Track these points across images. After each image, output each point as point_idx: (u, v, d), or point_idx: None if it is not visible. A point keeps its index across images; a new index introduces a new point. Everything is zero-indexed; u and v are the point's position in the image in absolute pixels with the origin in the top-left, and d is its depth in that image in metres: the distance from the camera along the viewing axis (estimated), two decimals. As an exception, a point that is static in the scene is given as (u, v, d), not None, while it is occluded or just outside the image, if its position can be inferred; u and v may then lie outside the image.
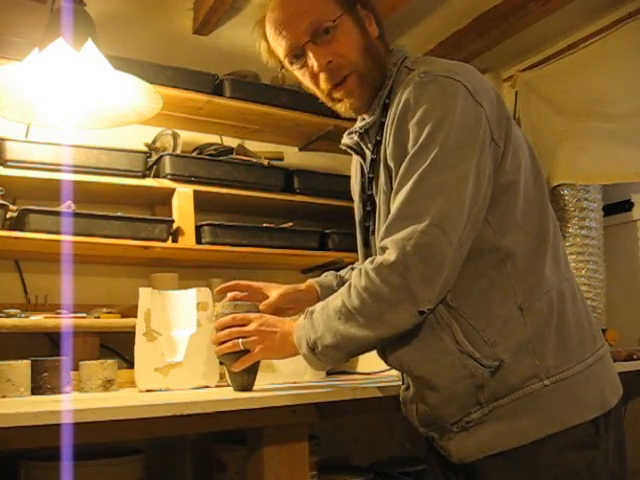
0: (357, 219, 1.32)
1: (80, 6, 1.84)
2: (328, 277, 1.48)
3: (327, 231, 2.34)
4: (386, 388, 1.44)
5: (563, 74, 2.58)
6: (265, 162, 2.27)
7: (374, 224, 1.21)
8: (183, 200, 2.09)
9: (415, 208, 1.02)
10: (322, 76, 1.15)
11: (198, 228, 2.10)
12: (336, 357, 1.13)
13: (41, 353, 1.71)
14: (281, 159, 2.42)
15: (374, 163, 1.18)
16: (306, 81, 1.20)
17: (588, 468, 1.04)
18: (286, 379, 1.70)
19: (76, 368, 1.63)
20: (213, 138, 2.38)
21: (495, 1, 2.45)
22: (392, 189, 1.09)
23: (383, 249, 1.04)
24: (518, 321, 1.05)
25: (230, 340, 1.27)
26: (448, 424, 1.10)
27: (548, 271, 1.09)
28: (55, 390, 1.53)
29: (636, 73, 2.36)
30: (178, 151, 2.16)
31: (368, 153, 1.20)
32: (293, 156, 2.58)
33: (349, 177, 2.61)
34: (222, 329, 1.29)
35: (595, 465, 1.05)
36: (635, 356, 1.96)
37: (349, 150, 1.28)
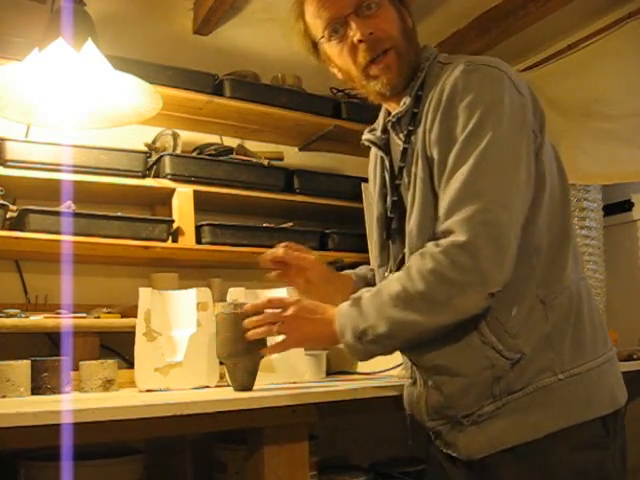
0: (376, 214, 1.29)
1: (80, 6, 1.84)
2: (362, 269, 1.46)
3: (327, 231, 2.34)
4: (386, 388, 1.44)
5: (563, 74, 2.58)
6: (265, 162, 2.27)
7: (400, 214, 1.20)
8: (183, 200, 2.09)
9: (478, 188, 1.00)
10: (362, 47, 1.14)
11: (198, 228, 2.10)
12: (389, 346, 1.10)
13: (41, 353, 1.71)
14: (281, 159, 2.42)
15: (405, 152, 1.18)
16: (342, 57, 1.18)
17: (599, 468, 1.05)
18: (286, 379, 1.70)
19: (76, 368, 1.63)
20: (213, 138, 2.38)
21: (495, 1, 2.45)
22: (431, 175, 1.09)
23: (446, 232, 1.01)
24: (540, 314, 1.06)
25: (264, 325, 1.23)
26: (460, 416, 1.09)
27: (569, 269, 1.10)
28: (55, 390, 1.53)
29: (636, 73, 2.36)
30: (178, 151, 2.16)
31: (399, 142, 1.19)
32: (293, 156, 2.58)
33: (349, 177, 2.63)
34: (256, 312, 1.24)
35: (605, 466, 1.05)
36: (635, 356, 1.96)
37: (372, 145, 1.28)
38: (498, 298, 1.05)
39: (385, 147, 1.25)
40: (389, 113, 1.25)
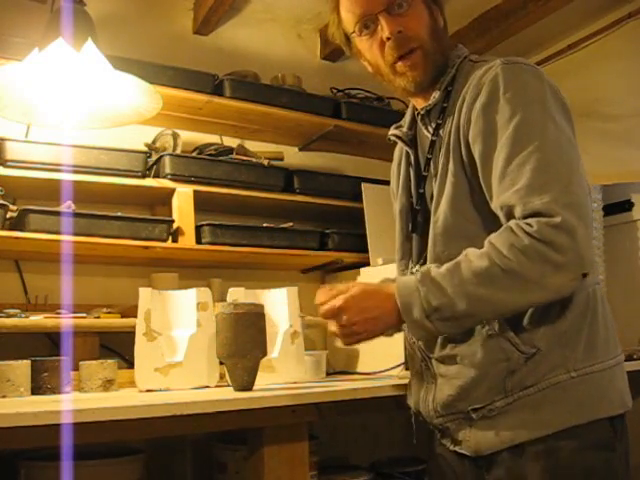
0: (398, 207, 1.30)
1: (80, 6, 1.84)
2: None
3: (327, 231, 2.34)
4: (386, 388, 1.44)
5: (563, 74, 2.58)
6: (265, 162, 2.27)
7: (426, 206, 1.21)
8: (183, 200, 2.09)
9: (555, 172, 1.01)
10: (390, 44, 1.17)
11: (198, 228, 2.10)
12: (462, 326, 1.06)
13: (41, 353, 1.71)
14: (281, 159, 2.42)
15: (433, 144, 1.20)
16: (371, 52, 1.21)
17: (606, 469, 1.06)
18: (286, 379, 1.70)
19: (76, 368, 1.63)
20: (213, 138, 2.38)
21: (495, 1, 2.45)
22: (464, 168, 1.11)
23: (530, 215, 0.99)
24: (557, 312, 1.07)
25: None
26: (470, 409, 1.09)
27: None
28: (55, 390, 1.53)
29: (636, 73, 2.37)
30: (178, 151, 2.16)
31: (428, 135, 1.21)
32: (293, 156, 2.58)
33: (349, 177, 2.63)
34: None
35: (612, 466, 1.06)
36: (635, 356, 1.96)
37: (397, 141, 1.31)
38: None
39: (411, 142, 1.27)
40: (414, 110, 1.29)
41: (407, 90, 1.21)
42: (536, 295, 1.00)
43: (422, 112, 1.21)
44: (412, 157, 1.27)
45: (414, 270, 1.21)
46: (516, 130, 1.04)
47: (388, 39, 1.16)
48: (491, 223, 1.08)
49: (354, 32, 1.21)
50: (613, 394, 1.09)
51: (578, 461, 1.04)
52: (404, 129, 1.30)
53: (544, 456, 1.05)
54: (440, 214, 1.13)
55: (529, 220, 0.99)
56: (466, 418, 1.11)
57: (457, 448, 1.15)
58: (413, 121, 1.30)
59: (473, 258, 1.02)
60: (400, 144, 1.32)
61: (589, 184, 1.13)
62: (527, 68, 1.12)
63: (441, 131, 1.18)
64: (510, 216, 1.03)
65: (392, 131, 1.32)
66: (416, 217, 1.24)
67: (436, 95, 1.19)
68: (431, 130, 1.21)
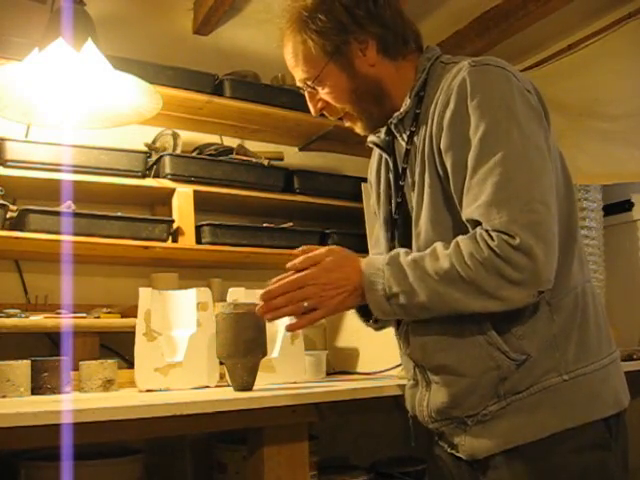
0: (382, 215, 1.30)
1: (80, 6, 1.84)
2: None
3: (327, 231, 2.34)
4: (386, 388, 1.44)
5: (563, 74, 2.58)
6: (265, 162, 2.27)
7: (405, 215, 1.21)
8: (183, 200, 2.09)
9: (515, 188, 1.00)
10: (325, 112, 1.25)
11: (198, 228, 2.10)
12: (423, 315, 1.08)
13: (41, 353, 1.71)
14: (281, 159, 2.42)
15: (408, 153, 1.19)
16: None
17: (601, 469, 1.05)
18: (286, 379, 1.70)
19: (76, 368, 1.63)
20: (213, 138, 2.38)
21: (495, 1, 2.45)
22: (440, 179, 1.10)
23: (492, 233, 1.00)
24: (546, 316, 1.07)
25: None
26: (464, 417, 1.09)
27: (575, 269, 1.11)
28: (55, 390, 1.53)
29: (636, 73, 2.36)
30: (178, 151, 2.16)
31: (402, 143, 1.21)
32: (293, 156, 2.58)
33: (349, 177, 2.63)
34: (280, 289, 1.12)
35: (607, 466, 1.06)
36: (635, 356, 1.96)
37: (376, 148, 1.30)
38: None
39: (389, 148, 1.26)
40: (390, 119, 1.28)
41: (364, 134, 1.26)
42: (490, 304, 1.02)
43: (394, 121, 1.19)
44: (391, 164, 1.26)
45: None
46: (481, 141, 1.03)
47: (317, 114, 1.25)
48: (467, 231, 1.07)
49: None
50: (607, 395, 1.08)
51: (573, 461, 1.04)
52: (382, 135, 1.26)
53: (539, 458, 1.04)
54: (422, 226, 1.13)
55: (492, 233, 1.00)
56: (460, 423, 1.11)
57: (453, 451, 1.15)
58: (388, 129, 1.27)
59: (439, 255, 1.04)
60: (378, 151, 1.31)
61: (569, 183, 1.13)
62: (495, 70, 1.09)
63: (415, 138, 1.17)
64: (476, 227, 1.04)
65: (370, 137, 1.31)
66: (394, 227, 1.24)
67: (407, 102, 1.18)
68: (405, 138, 1.19)
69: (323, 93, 1.21)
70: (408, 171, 1.19)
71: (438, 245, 1.06)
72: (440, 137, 1.09)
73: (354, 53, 1.18)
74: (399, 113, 1.19)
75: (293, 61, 1.22)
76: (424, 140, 1.14)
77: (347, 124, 1.26)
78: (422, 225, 1.13)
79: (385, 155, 1.27)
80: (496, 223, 0.99)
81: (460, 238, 1.04)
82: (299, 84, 1.25)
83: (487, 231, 1.00)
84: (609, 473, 1.06)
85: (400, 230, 1.22)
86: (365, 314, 1.28)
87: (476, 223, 1.03)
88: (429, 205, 1.12)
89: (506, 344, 1.05)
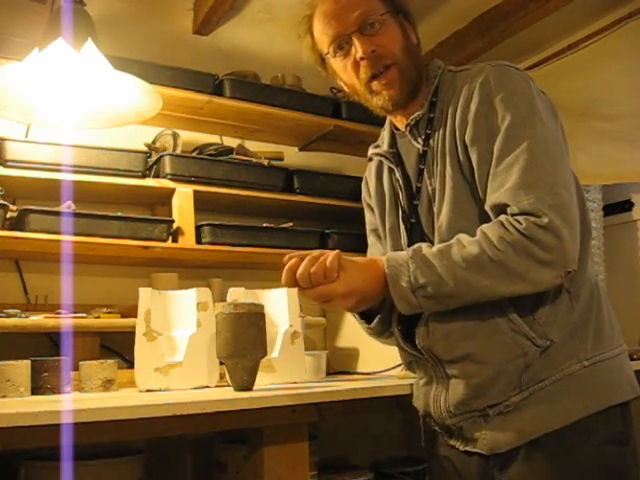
0: (389, 225, 1.30)
1: (80, 6, 1.84)
2: None
3: (327, 231, 2.34)
4: (386, 388, 1.44)
5: (563, 74, 2.58)
6: (265, 162, 2.27)
7: (424, 216, 1.21)
8: (183, 200, 2.09)
9: (540, 173, 1.05)
10: (364, 64, 1.19)
11: (198, 228, 2.10)
12: (450, 305, 1.08)
13: (41, 353, 1.71)
14: (281, 159, 2.42)
15: (425, 155, 1.21)
16: (347, 72, 1.23)
17: (619, 463, 1.07)
18: (286, 379, 1.70)
19: (76, 368, 1.63)
20: (213, 138, 2.38)
21: (495, 1, 2.45)
22: (463, 173, 1.13)
23: (518, 215, 1.03)
24: (566, 304, 1.10)
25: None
26: (486, 407, 1.10)
27: (589, 263, 1.16)
28: (55, 390, 1.53)
29: (636, 73, 2.36)
30: (178, 151, 2.16)
31: (418, 146, 1.22)
32: (293, 156, 2.58)
33: (349, 177, 2.63)
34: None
35: (625, 460, 1.08)
36: (635, 356, 1.96)
37: (381, 159, 1.32)
38: None
39: (394, 159, 1.28)
40: (393, 128, 1.30)
41: (384, 108, 1.23)
42: (518, 287, 1.04)
43: (411, 123, 1.22)
44: (398, 173, 1.27)
45: None
46: (506, 132, 1.08)
47: (362, 59, 1.18)
48: (489, 221, 1.10)
49: (328, 53, 1.23)
50: (623, 380, 1.12)
51: (592, 455, 1.06)
52: (384, 147, 1.30)
53: (561, 453, 1.06)
54: (443, 219, 1.15)
55: (519, 217, 1.03)
56: (482, 415, 1.11)
57: (469, 447, 1.15)
58: (392, 139, 1.31)
59: (465, 243, 1.06)
60: (383, 162, 1.32)
61: (578, 182, 1.16)
62: (514, 71, 1.15)
63: (431, 141, 1.20)
64: (501, 214, 1.07)
65: (372, 150, 1.34)
66: (412, 231, 1.24)
67: (424, 105, 1.21)
68: (421, 141, 1.22)
69: (380, 36, 1.18)
70: (425, 172, 1.21)
71: (462, 235, 1.08)
72: (464, 131, 1.13)
73: (408, 26, 1.23)
74: (416, 115, 1.22)
75: (355, 2, 1.19)
76: (439, 141, 1.18)
77: (382, 84, 1.19)
78: (443, 217, 1.15)
79: (392, 165, 1.29)
80: (525, 204, 1.03)
81: (485, 226, 1.07)
82: (348, 28, 1.18)
83: (513, 215, 1.04)
84: (626, 466, 1.08)
85: (416, 234, 1.23)
86: (366, 318, 1.27)
87: (501, 209, 1.06)
88: (451, 197, 1.14)
89: (532, 330, 1.08)
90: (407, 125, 1.23)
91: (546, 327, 1.08)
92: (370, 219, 1.41)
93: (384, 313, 1.22)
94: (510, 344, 1.08)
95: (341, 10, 1.19)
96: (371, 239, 1.41)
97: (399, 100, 1.21)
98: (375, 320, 1.24)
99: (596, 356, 1.09)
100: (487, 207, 1.10)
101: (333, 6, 1.21)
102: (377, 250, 1.37)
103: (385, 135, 1.33)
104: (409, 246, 1.22)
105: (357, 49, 1.18)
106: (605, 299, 1.18)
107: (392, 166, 1.28)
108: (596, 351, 1.10)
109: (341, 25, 1.19)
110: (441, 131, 1.18)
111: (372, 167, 1.37)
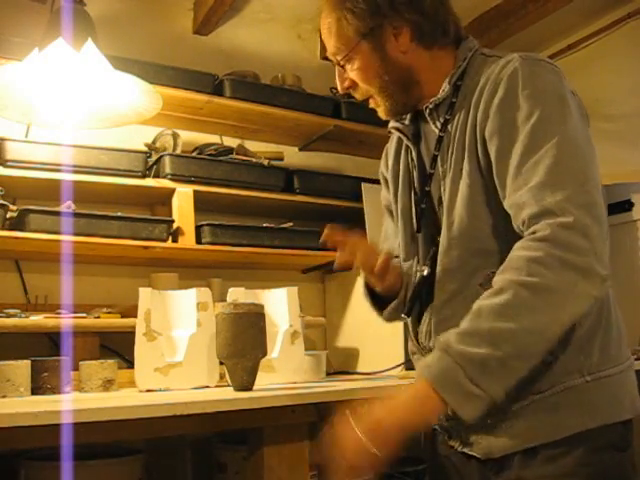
0: (400, 207, 1.25)
1: (80, 6, 1.84)
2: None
3: (327, 231, 2.33)
4: (386, 388, 1.44)
5: (563, 74, 2.58)
6: (265, 162, 2.27)
7: (432, 204, 1.18)
8: (183, 200, 2.09)
9: (570, 170, 0.97)
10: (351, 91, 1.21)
11: (198, 228, 2.10)
12: (519, 370, 0.93)
13: (41, 353, 1.71)
14: (281, 159, 2.42)
15: (441, 140, 1.17)
16: None
17: (618, 470, 1.05)
18: (286, 379, 1.70)
19: (76, 368, 1.63)
20: (213, 138, 2.38)
21: (495, 1, 2.45)
22: (479, 166, 1.08)
23: (542, 215, 0.94)
24: None
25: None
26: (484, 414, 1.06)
27: None
28: (55, 390, 1.53)
29: (636, 73, 2.37)
30: (178, 151, 2.16)
31: (435, 130, 1.18)
32: (293, 156, 2.58)
33: (349, 177, 2.62)
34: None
35: (624, 468, 1.06)
36: (635, 356, 1.96)
37: (398, 133, 1.26)
38: None
39: (413, 136, 1.24)
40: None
41: (386, 118, 1.24)
42: (575, 307, 0.93)
43: (430, 106, 1.17)
44: (414, 153, 1.23)
45: (421, 269, 1.18)
46: (533, 128, 1.01)
47: (344, 92, 1.21)
48: (504, 224, 1.06)
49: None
50: (625, 398, 1.08)
51: (591, 462, 1.03)
52: (406, 122, 1.25)
53: (557, 458, 1.03)
54: (456, 217, 1.10)
55: (540, 224, 0.94)
56: (479, 420, 1.06)
57: (466, 450, 1.13)
58: (415, 116, 1.26)
59: (489, 300, 0.93)
60: (401, 138, 1.27)
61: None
62: (546, 65, 1.09)
63: (449, 126, 1.15)
64: (519, 215, 0.99)
65: (393, 123, 1.27)
66: (421, 216, 1.20)
67: (445, 88, 1.16)
68: (439, 125, 1.17)
69: (352, 72, 1.18)
70: (439, 159, 1.16)
71: (479, 302, 0.95)
72: (485, 125, 1.07)
73: (387, 37, 1.16)
74: (436, 98, 1.16)
75: (327, 35, 1.19)
76: (458, 129, 1.12)
77: (372, 105, 1.22)
78: (456, 215, 1.10)
79: (409, 143, 1.24)
80: (549, 202, 0.94)
81: (501, 269, 0.96)
82: (330, 57, 1.21)
83: (534, 218, 0.95)
84: (625, 474, 1.06)
85: (426, 220, 1.19)
86: (378, 303, 1.26)
87: (519, 208, 0.99)
88: (467, 195, 1.09)
89: None
90: (426, 107, 1.18)
91: None
92: (384, 194, 1.37)
93: (396, 303, 1.22)
94: None
95: (324, 33, 1.20)
96: (385, 216, 1.38)
97: (394, 113, 1.21)
98: (387, 309, 1.23)
99: (600, 372, 1.05)
100: (506, 205, 1.03)
101: (321, 26, 1.21)
102: (390, 226, 1.34)
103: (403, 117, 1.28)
104: (418, 232, 1.20)
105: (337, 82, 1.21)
106: (615, 309, 1.11)
107: (410, 144, 1.24)
108: (601, 366, 1.05)
109: (328, 48, 1.21)
110: (462, 118, 1.12)
111: (393, 140, 1.33)
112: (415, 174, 1.23)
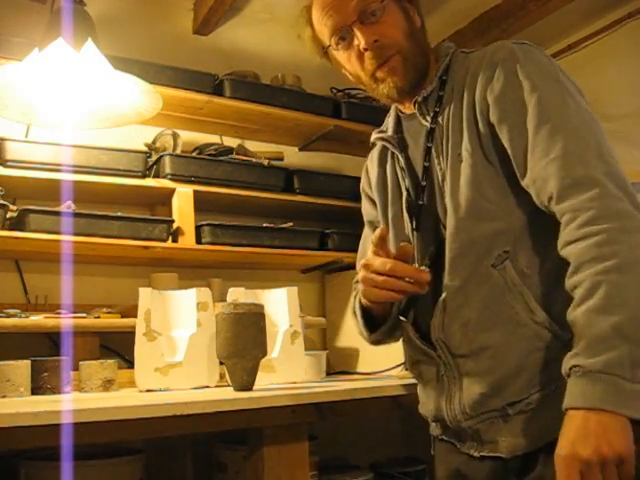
0: (391, 215, 1.25)
1: (80, 6, 1.84)
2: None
3: (327, 231, 2.34)
4: (386, 388, 1.44)
5: (563, 74, 2.58)
6: (265, 162, 2.27)
7: (434, 197, 1.17)
8: (183, 200, 2.09)
9: (585, 141, 1.01)
10: (368, 54, 1.15)
11: (198, 228, 2.10)
12: None
13: (41, 353, 1.71)
14: (281, 159, 2.42)
15: (432, 132, 1.17)
16: (351, 63, 1.20)
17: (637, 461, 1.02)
18: (286, 379, 1.70)
19: (76, 368, 1.63)
20: (213, 138, 2.38)
21: (495, 1, 2.45)
22: (481, 145, 1.09)
23: (568, 189, 0.96)
24: None
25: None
26: (505, 405, 1.04)
27: None
28: (55, 390, 1.53)
29: (636, 73, 2.37)
30: (178, 151, 2.16)
31: (426, 124, 1.19)
32: (293, 156, 2.58)
33: (349, 177, 2.62)
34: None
35: None
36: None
37: (384, 143, 1.28)
38: (548, 275, 1.04)
39: (398, 145, 1.24)
40: (399, 112, 1.27)
41: (390, 97, 1.20)
42: None
43: (419, 99, 1.18)
44: (402, 160, 1.23)
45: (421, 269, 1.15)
46: (539, 102, 1.03)
47: (365, 50, 1.14)
48: (512, 202, 1.06)
49: (330, 45, 1.20)
50: None
51: None
52: (389, 133, 1.26)
53: None
54: (462, 199, 1.09)
55: (576, 200, 0.95)
56: (500, 415, 1.05)
57: (486, 452, 1.09)
58: (398, 124, 1.27)
59: (586, 305, 0.90)
60: (387, 148, 1.29)
61: None
62: (537, 50, 1.13)
63: (440, 118, 1.16)
64: (545, 188, 1.00)
65: (376, 135, 1.29)
66: (420, 214, 1.19)
67: (434, 82, 1.18)
68: (429, 119, 1.18)
69: (381, 25, 1.15)
70: (433, 150, 1.17)
71: (574, 314, 0.92)
72: (486, 106, 1.09)
73: (410, 7, 1.19)
74: (424, 91, 1.18)
75: None
76: (454, 116, 1.14)
77: (382, 73, 1.17)
78: (462, 197, 1.09)
79: (395, 151, 1.25)
80: (580, 173, 0.97)
81: (572, 265, 0.94)
82: (347, 18, 1.14)
83: (563, 191, 0.97)
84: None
85: (426, 217, 1.18)
86: (370, 323, 1.24)
87: (544, 182, 0.99)
88: (470, 175, 1.09)
89: (555, 322, 1.02)
90: (415, 102, 1.19)
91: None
92: (368, 209, 1.37)
93: (388, 325, 1.21)
94: (531, 337, 1.02)
95: (339, 0, 1.16)
96: (366, 230, 1.38)
97: (404, 87, 1.17)
98: (378, 331, 1.22)
99: None
100: (528, 181, 1.03)
101: None
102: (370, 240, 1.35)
103: (390, 121, 1.30)
104: (417, 231, 1.19)
105: (359, 40, 1.14)
106: None
107: (396, 152, 1.24)
108: None
109: (340, 15, 1.15)
110: (452, 108, 1.14)
111: (374, 154, 1.33)
112: (406, 179, 1.23)
